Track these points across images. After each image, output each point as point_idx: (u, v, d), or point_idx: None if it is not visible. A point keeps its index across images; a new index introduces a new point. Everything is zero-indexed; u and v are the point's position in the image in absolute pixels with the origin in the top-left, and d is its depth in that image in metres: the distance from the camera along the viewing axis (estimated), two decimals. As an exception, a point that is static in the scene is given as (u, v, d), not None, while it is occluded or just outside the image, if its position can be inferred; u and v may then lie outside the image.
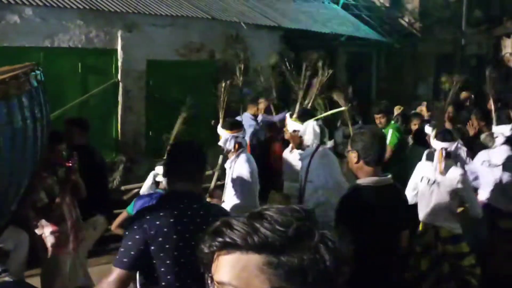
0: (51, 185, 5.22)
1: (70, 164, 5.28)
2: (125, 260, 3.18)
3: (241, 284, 1.26)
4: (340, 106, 7.05)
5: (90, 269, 6.21)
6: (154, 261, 3.23)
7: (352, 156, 4.10)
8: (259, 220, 1.29)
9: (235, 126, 5.76)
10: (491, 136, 7.17)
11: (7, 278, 2.63)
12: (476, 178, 6.98)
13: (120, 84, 10.72)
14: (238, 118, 7.57)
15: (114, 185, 10.20)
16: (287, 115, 6.62)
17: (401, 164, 7.96)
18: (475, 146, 7.78)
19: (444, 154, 5.87)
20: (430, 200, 5.92)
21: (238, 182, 5.61)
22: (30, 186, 3.72)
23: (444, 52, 18.45)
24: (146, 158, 10.00)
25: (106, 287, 3.14)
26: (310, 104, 7.16)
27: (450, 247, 5.90)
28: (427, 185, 5.95)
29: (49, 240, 5.32)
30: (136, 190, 8.64)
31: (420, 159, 6.45)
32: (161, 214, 3.29)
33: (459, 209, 6.00)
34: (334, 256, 1.28)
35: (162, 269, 3.25)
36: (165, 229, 3.23)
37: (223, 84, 6.58)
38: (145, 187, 5.41)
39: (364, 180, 4.09)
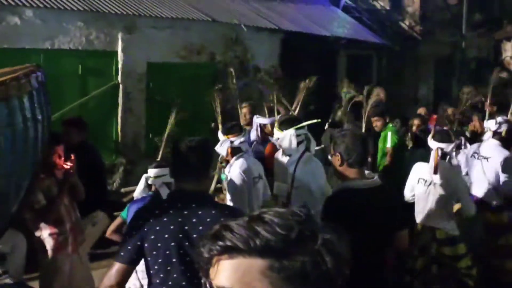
0: (49, 186, 5.22)
1: (68, 167, 5.28)
2: (122, 254, 3.25)
3: None
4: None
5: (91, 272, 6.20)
6: (148, 258, 3.28)
7: (336, 159, 4.11)
8: (260, 224, 1.28)
9: (231, 130, 5.72)
10: None
11: (8, 280, 2.64)
12: (467, 172, 7.09)
13: (120, 86, 10.73)
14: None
15: (114, 187, 10.22)
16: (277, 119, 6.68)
17: (401, 166, 7.99)
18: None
19: (440, 154, 5.88)
20: (427, 201, 5.94)
21: (230, 188, 5.62)
22: (31, 188, 3.73)
23: (444, 55, 18.47)
24: (146, 160, 10.00)
25: (106, 280, 3.21)
26: (297, 110, 7.19)
27: (447, 249, 5.92)
28: (423, 186, 5.97)
29: (48, 242, 5.31)
30: (136, 193, 8.65)
31: (420, 161, 6.47)
32: (156, 212, 3.33)
33: (456, 206, 6.02)
34: (336, 258, 1.28)
35: (156, 267, 3.29)
36: (157, 227, 3.25)
37: (215, 88, 6.60)
38: (138, 190, 5.40)
39: (350, 182, 4.08)
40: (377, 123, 8.92)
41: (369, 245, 3.72)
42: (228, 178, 5.62)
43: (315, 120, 6.11)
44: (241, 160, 5.59)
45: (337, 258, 1.29)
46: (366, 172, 4.28)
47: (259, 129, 7.32)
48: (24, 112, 3.13)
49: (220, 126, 6.12)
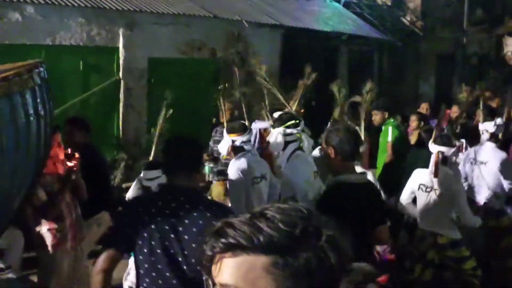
0: (50, 182, 5.22)
1: (72, 164, 5.29)
2: (112, 241, 3.38)
3: (246, 286, 1.25)
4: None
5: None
6: (136, 248, 3.34)
7: (328, 153, 4.22)
8: (262, 220, 1.28)
9: (234, 129, 5.70)
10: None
11: (10, 275, 2.65)
12: (465, 177, 7.04)
13: (122, 82, 10.74)
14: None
15: (115, 183, 10.22)
16: (270, 121, 6.66)
17: (402, 162, 7.96)
18: None
19: (440, 158, 5.86)
20: (428, 206, 5.92)
21: (229, 186, 5.64)
22: (33, 184, 3.73)
23: (445, 51, 18.45)
24: (147, 156, 10.01)
25: (97, 265, 3.31)
26: (295, 107, 7.15)
27: (450, 252, 5.90)
28: (424, 193, 5.95)
29: (47, 238, 5.31)
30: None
31: (422, 162, 6.43)
32: (145, 203, 3.45)
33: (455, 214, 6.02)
34: (339, 255, 1.28)
35: (140, 257, 3.35)
36: (146, 218, 3.32)
37: (220, 87, 6.57)
38: (131, 192, 5.41)
39: (343, 176, 4.21)
40: (375, 117, 8.89)
41: (357, 239, 3.78)
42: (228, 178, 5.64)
43: (293, 121, 5.99)
44: (241, 159, 5.57)
45: (341, 254, 1.28)
46: (357, 168, 4.42)
47: (258, 135, 6.88)
48: (27, 108, 3.13)
49: (225, 124, 6.11)
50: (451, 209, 5.84)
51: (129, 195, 5.39)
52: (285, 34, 13.43)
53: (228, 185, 5.68)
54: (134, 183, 5.44)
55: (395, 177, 7.74)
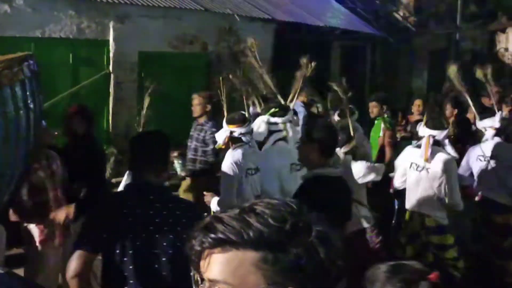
0: (41, 177, 5.20)
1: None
2: (85, 242, 3.31)
3: (236, 282, 1.25)
4: (338, 97, 7.07)
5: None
6: (106, 248, 3.33)
7: (310, 147, 4.31)
8: (252, 215, 1.28)
9: (234, 121, 5.71)
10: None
11: (-1, 270, 2.64)
12: (471, 175, 6.97)
13: (112, 75, 10.71)
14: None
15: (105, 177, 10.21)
16: (258, 109, 6.66)
17: (392, 157, 7.97)
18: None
19: (431, 141, 5.88)
20: (418, 187, 5.94)
21: (222, 177, 5.65)
22: (23, 178, 3.73)
23: (438, 47, 18.50)
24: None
25: (69, 269, 3.25)
26: (294, 99, 7.10)
27: (434, 237, 5.92)
28: (415, 171, 5.96)
29: (34, 233, 5.30)
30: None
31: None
32: (115, 203, 3.44)
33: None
34: (330, 250, 1.29)
35: (111, 258, 3.33)
36: (117, 218, 3.33)
37: (221, 78, 6.54)
38: (122, 187, 5.40)
39: (321, 169, 4.31)
40: (373, 109, 8.88)
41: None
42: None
43: (278, 110, 5.98)
44: (237, 150, 5.59)
45: (331, 249, 1.29)
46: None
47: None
48: (16, 101, 3.12)
49: (225, 114, 6.10)
50: (440, 190, 5.85)
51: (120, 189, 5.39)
52: (277, 28, 13.43)
53: (221, 175, 5.69)
54: (124, 178, 5.43)
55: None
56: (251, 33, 12.62)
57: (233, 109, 6.33)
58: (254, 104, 7.12)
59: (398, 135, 9.06)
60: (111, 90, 10.74)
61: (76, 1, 9.98)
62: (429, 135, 5.90)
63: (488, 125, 6.98)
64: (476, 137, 7.92)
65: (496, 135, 6.88)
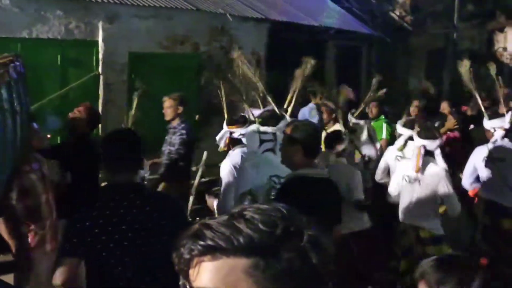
0: (32, 181, 5.19)
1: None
2: (69, 248, 3.34)
3: None
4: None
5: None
6: (91, 252, 3.35)
7: (293, 149, 4.30)
8: (241, 221, 1.28)
9: (234, 121, 5.75)
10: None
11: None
12: (477, 177, 6.95)
13: (101, 77, 10.69)
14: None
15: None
16: (251, 116, 6.65)
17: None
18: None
19: (423, 152, 5.91)
20: (411, 199, 5.96)
21: (221, 179, 5.65)
22: (11, 182, 3.73)
23: (436, 46, 18.54)
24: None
25: (56, 278, 3.27)
26: (293, 101, 7.09)
27: (430, 248, 5.94)
28: (408, 184, 5.99)
29: (24, 238, 5.28)
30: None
31: None
32: (97, 205, 3.43)
33: (441, 209, 6.05)
34: (322, 255, 1.29)
35: (99, 260, 3.36)
36: (101, 221, 3.34)
37: (222, 79, 6.53)
38: None
39: (302, 170, 4.30)
40: (373, 109, 8.89)
41: None
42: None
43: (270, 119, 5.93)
44: (236, 152, 5.61)
45: (323, 254, 1.29)
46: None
47: None
48: (2, 104, 3.12)
49: (226, 116, 6.11)
50: (434, 201, 5.89)
51: None
52: (271, 28, 13.43)
53: (220, 177, 5.70)
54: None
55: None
56: (244, 33, 12.69)
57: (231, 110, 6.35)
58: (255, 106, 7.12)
59: None
60: (101, 91, 10.72)
61: (64, 0, 9.97)
62: (421, 145, 5.93)
63: (498, 125, 6.89)
64: (471, 137, 7.96)
65: (505, 136, 6.81)
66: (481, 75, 9.67)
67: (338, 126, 8.03)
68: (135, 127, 6.45)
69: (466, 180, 6.99)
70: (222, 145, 5.81)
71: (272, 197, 4.59)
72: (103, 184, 5.44)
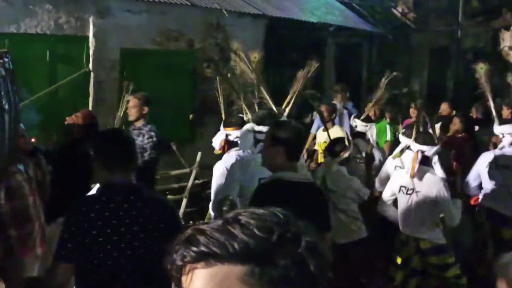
0: (20, 183, 5.18)
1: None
2: (63, 253, 3.38)
3: None
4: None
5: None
6: (87, 253, 3.40)
7: (275, 150, 4.20)
8: (236, 226, 1.27)
9: (231, 123, 5.75)
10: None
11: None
12: (480, 183, 6.94)
13: (92, 74, 10.68)
14: None
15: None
16: (248, 116, 6.65)
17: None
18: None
19: (419, 157, 5.89)
20: (410, 210, 5.96)
21: (213, 182, 5.66)
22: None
23: (439, 44, 18.56)
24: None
25: (53, 283, 3.38)
26: (291, 103, 7.09)
27: (433, 258, 5.95)
28: (405, 195, 5.98)
29: (13, 243, 5.27)
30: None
31: None
32: (96, 207, 3.47)
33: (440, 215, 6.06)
34: (319, 262, 1.29)
35: (95, 262, 3.41)
36: (99, 223, 3.40)
37: (222, 76, 6.52)
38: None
39: (282, 173, 4.20)
40: (375, 111, 8.88)
41: None
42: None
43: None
44: (231, 154, 5.61)
45: (321, 261, 1.30)
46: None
47: None
48: (-11, 101, 3.12)
49: (223, 117, 6.12)
50: (434, 212, 5.89)
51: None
52: (268, 24, 13.43)
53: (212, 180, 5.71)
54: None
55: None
56: (240, 29, 12.68)
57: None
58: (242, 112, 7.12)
59: None
60: (91, 89, 10.71)
61: (54, -6, 9.96)
62: (418, 151, 5.91)
63: (508, 131, 6.85)
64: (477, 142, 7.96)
65: None
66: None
67: (337, 129, 8.06)
68: (124, 128, 6.44)
69: (469, 186, 7.00)
70: (217, 147, 5.83)
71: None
72: (98, 183, 5.44)
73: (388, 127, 8.75)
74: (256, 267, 1.24)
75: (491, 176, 6.80)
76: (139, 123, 7.32)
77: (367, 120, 7.71)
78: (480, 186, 6.94)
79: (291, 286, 1.26)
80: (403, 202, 6.01)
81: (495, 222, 6.69)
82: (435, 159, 5.96)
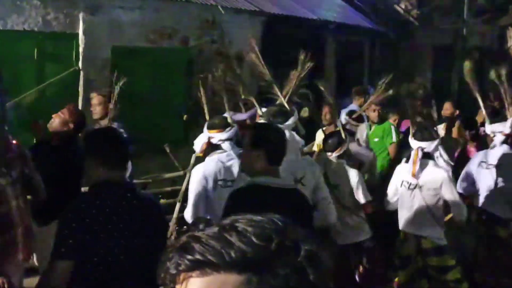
0: (2, 187, 5.15)
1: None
2: (63, 250, 3.45)
3: None
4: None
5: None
6: (90, 251, 3.49)
7: (255, 154, 4.13)
8: (233, 234, 1.26)
9: (213, 125, 5.71)
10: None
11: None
12: (472, 183, 7.01)
13: (81, 72, 10.66)
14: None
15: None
16: (259, 112, 6.61)
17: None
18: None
19: (420, 154, 5.89)
20: (411, 206, 5.98)
21: (190, 187, 5.64)
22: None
23: (443, 43, 18.58)
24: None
25: (52, 282, 3.42)
26: (284, 102, 7.07)
27: (433, 259, 5.96)
28: (407, 190, 5.99)
29: None
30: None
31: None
32: (96, 203, 3.60)
33: (447, 218, 6.05)
34: (320, 271, 1.28)
35: (95, 259, 3.51)
36: (101, 218, 3.51)
37: (200, 77, 6.51)
38: None
39: (261, 178, 4.13)
40: (373, 113, 8.87)
41: None
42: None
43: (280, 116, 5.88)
44: (212, 158, 5.57)
45: (321, 270, 1.28)
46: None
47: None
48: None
49: (207, 118, 6.09)
50: (436, 208, 5.89)
51: None
52: (266, 21, 13.43)
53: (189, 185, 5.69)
54: None
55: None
56: (237, 27, 12.67)
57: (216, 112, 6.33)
58: (236, 110, 7.10)
59: None
60: (81, 89, 10.68)
61: (42, -11, 9.94)
62: (418, 147, 5.91)
63: (498, 130, 6.96)
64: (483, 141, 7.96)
65: (505, 141, 6.89)
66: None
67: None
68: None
69: (459, 185, 7.01)
70: (198, 150, 5.80)
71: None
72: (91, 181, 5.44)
73: (393, 128, 8.75)
74: (254, 277, 1.22)
75: (482, 175, 6.88)
76: (104, 122, 7.25)
77: (359, 119, 7.69)
78: (472, 186, 6.98)
79: None
80: (405, 197, 6.02)
81: (489, 222, 6.72)
82: (437, 153, 5.96)
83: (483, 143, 8.45)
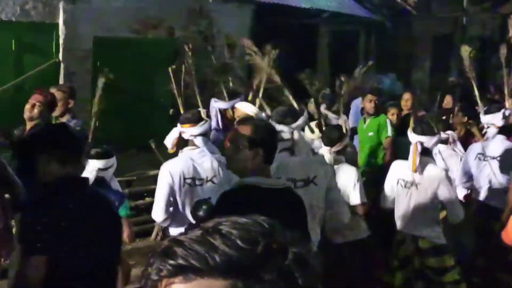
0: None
1: None
2: (39, 245, 3.48)
3: None
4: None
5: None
6: (62, 245, 3.52)
7: (252, 152, 4.07)
8: (217, 237, 1.26)
9: (185, 119, 5.65)
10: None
11: None
12: (471, 176, 7.06)
13: (62, 64, 10.66)
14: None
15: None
16: (267, 111, 6.60)
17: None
18: None
19: (419, 149, 5.90)
20: (408, 205, 5.98)
21: (157, 185, 5.61)
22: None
23: (442, 32, 18.60)
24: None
25: (30, 278, 3.46)
26: (257, 99, 7.08)
27: (431, 260, 5.97)
28: (404, 188, 6.00)
29: None
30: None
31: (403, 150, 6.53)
32: (59, 199, 3.66)
33: (442, 214, 6.07)
34: (309, 275, 1.28)
35: (68, 254, 3.55)
36: (68, 214, 3.58)
37: (172, 67, 6.50)
38: None
39: (253, 178, 4.10)
40: (369, 104, 8.85)
41: None
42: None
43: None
44: (183, 154, 5.53)
45: (310, 274, 1.28)
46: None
47: (218, 115, 7.08)
48: None
49: (181, 111, 6.07)
50: (434, 207, 5.91)
51: None
52: (256, 10, 13.43)
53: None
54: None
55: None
56: (225, 16, 12.66)
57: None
58: (219, 98, 7.09)
59: None
60: (61, 81, 10.66)
61: (20, -23, 9.91)
62: (417, 142, 5.92)
63: (492, 122, 7.10)
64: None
65: (498, 133, 7.00)
66: (492, 65, 9.73)
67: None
68: (98, 122, 6.40)
69: (458, 179, 7.05)
70: (170, 147, 5.77)
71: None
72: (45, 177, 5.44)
73: (388, 121, 8.71)
74: (239, 282, 1.22)
75: (478, 167, 6.98)
76: (64, 119, 7.20)
77: (338, 112, 7.72)
78: (472, 180, 7.04)
79: None
80: (402, 196, 6.02)
81: (485, 216, 6.76)
82: (436, 150, 5.97)
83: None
